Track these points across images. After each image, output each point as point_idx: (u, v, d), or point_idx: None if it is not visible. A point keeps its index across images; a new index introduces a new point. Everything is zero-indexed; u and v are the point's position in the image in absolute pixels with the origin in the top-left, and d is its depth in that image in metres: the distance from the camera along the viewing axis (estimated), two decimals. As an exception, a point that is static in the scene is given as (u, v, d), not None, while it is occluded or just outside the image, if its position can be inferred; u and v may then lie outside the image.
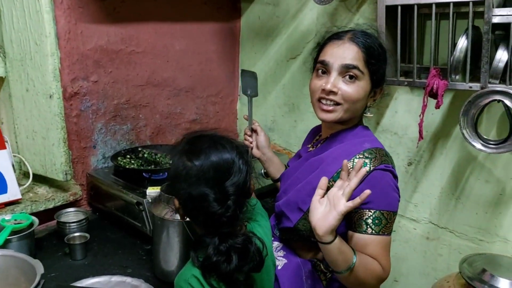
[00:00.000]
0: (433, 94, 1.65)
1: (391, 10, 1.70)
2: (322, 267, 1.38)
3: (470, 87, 1.59)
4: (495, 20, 1.48)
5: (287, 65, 2.38)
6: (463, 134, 1.60)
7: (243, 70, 1.72)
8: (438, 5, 1.60)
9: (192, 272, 1.08)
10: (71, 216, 1.81)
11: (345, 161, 1.21)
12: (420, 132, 1.72)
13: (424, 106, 1.68)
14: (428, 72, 1.73)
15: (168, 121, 2.30)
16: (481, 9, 1.55)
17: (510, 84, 1.51)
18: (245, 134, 1.71)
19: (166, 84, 2.25)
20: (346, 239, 1.27)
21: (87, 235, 1.67)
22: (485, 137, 1.61)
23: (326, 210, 1.18)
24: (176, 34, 2.24)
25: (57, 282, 1.43)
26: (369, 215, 1.24)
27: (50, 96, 1.74)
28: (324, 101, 1.35)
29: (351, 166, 1.28)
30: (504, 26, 1.56)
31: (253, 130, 1.69)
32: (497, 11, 1.47)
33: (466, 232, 1.89)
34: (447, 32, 1.67)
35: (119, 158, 2.01)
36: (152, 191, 1.74)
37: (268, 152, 1.66)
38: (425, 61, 1.84)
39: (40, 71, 1.74)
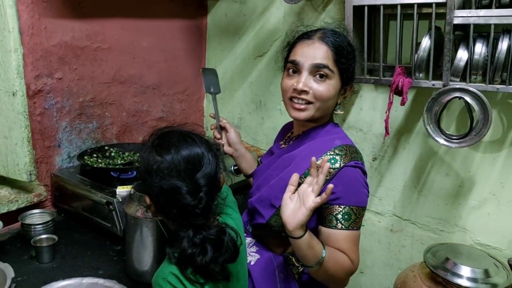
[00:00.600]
0: (398, 91, 1.72)
1: (357, 10, 1.76)
2: (294, 260, 1.41)
3: (433, 84, 1.66)
4: (456, 21, 1.55)
5: (254, 63, 2.40)
6: (427, 130, 1.68)
7: (203, 69, 1.73)
8: (402, 6, 1.66)
9: (169, 270, 1.08)
10: (36, 218, 1.75)
11: (313, 158, 1.23)
12: (386, 128, 1.78)
13: (390, 103, 1.74)
14: (392, 71, 1.80)
15: (134, 119, 2.26)
16: (442, 10, 1.62)
17: (470, 82, 1.60)
18: (213, 131, 1.70)
19: (132, 81, 2.21)
20: (317, 234, 1.31)
21: (55, 237, 1.62)
22: (447, 132, 1.68)
23: (296, 206, 1.21)
24: (143, 31, 2.21)
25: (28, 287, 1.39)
26: (339, 210, 1.28)
27: (13, 94, 1.68)
28: (296, 100, 1.37)
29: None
30: (463, 27, 1.65)
31: (222, 128, 1.69)
32: (458, 12, 1.54)
33: (428, 223, 1.98)
34: (410, 32, 1.75)
35: (85, 157, 1.96)
36: (122, 190, 1.72)
37: (240, 148, 1.67)
38: (389, 60, 1.91)
39: (3, 68, 1.68)
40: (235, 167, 1.80)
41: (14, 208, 1.76)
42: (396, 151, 2.01)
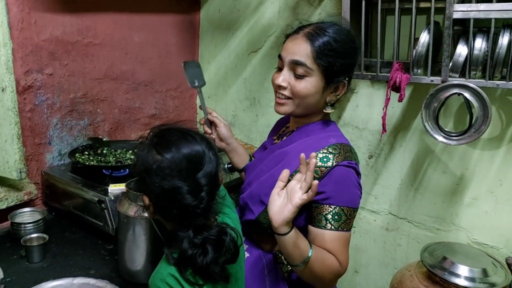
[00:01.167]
0: (396, 88, 1.69)
1: (354, 4, 1.73)
2: (283, 259, 1.38)
3: (432, 80, 1.63)
4: (456, 15, 1.52)
5: (248, 59, 2.37)
6: (425, 127, 1.65)
7: (185, 62, 1.65)
8: (401, 0, 1.63)
9: (168, 271, 1.05)
10: (27, 216, 1.71)
11: (302, 154, 1.20)
12: (384, 125, 1.76)
13: (387, 100, 1.72)
14: (389, 67, 1.77)
15: (127, 116, 2.22)
16: (440, 5, 1.60)
17: (469, 78, 1.57)
18: (203, 126, 1.66)
19: (124, 78, 2.17)
20: (307, 233, 1.28)
21: (45, 236, 1.58)
22: (446, 129, 1.66)
23: (283, 202, 1.19)
24: (135, 26, 2.17)
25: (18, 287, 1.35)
26: (329, 210, 1.24)
27: (3, 90, 1.64)
28: (277, 94, 1.36)
29: None
30: (462, 22, 1.63)
31: (211, 122, 1.62)
32: (458, 6, 1.51)
33: (424, 222, 1.96)
34: (407, 27, 1.72)
35: (77, 154, 1.92)
36: (115, 188, 1.68)
37: (233, 142, 1.62)
38: (386, 56, 1.88)
39: (-10, 63, 1.63)
40: (229, 165, 1.76)
41: (3, 207, 1.72)
42: (393, 148, 1.99)
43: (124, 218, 1.43)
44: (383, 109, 1.74)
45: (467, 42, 1.57)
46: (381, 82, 1.91)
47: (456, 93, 1.58)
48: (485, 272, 1.55)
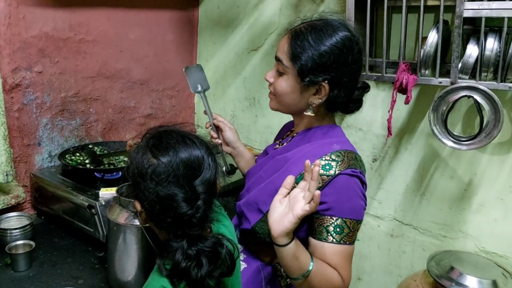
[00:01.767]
0: (402, 89, 1.61)
1: (358, 2, 1.65)
2: (283, 271, 1.30)
3: (440, 82, 1.56)
4: (466, 14, 1.45)
5: (248, 58, 2.29)
6: (432, 131, 1.57)
7: (186, 68, 1.57)
8: (408, -3, 1.56)
9: (160, 283, 0.98)
10: (14, 221, 1.64)
11: (307, 161, 1.11)
12: (389, 128, 1.68)
13: (393, 102, 1.64)
14: (394, 67, 1.70)
15: (121, 115, 2.14)
16: (449, 2, 1.52)
17: (480, 80, 1.49)
18: (209, 130, 1.59)
19: (119, 76, 2.09)
20: (307, 245, 1.20)
21: (32, 243, 1.51)
22: (455, 133, 1.59)
23: (284, 211, 1.12)
24: (130, 22, 2.08)
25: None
26: (330, 222, 1.16)
27: (-12, 88, 1.56)
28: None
29: None
30: (471, 21, 1.55)
31: (216, 127, 1.57)
32: (469, 4, 1.44)
33: (430, 229, 1.88)
34: (414, 26, 1.65)
35: (67, 156, 1.85)
36: (106, 192, 1.61)
37: (239, 146, 1.55)
38: (390, 56, 1.80)
39: (-25, 60, 1.56)
40: (229, 169, 1.69)
41: (-11, 211, 1.65)
42: (398, 152, 1.91)
43: (114, 226, 1.36)
44: (389, 111, 1.66)
45: (477, 42, 1.49)
46: (386, 83, 1.83)
47: (465, 95, 1.50)
48: (495, 284, 1.49)
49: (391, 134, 1.70)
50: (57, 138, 1.90)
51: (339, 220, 1.16)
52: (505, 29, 1.42)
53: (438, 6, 1.52)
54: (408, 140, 1.87)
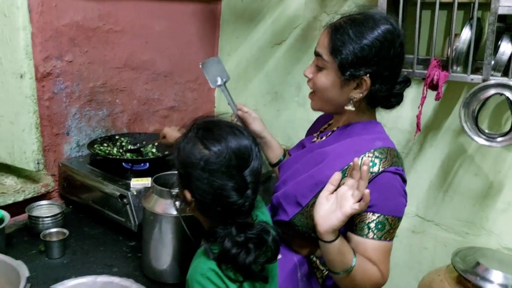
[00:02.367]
0: (432, 86, 1.62)
1: (391, -3, 1.66)
2: (318, 263, 1.32)
3: (472, 79, 1.57)
4: (501, 11, 1.45)
5: (271, 52, 2.29)
6: (463, 127, 1.58)
7: (203, 63, 1.54)
8: (442, -6, 1.57)
9: (208, 265, 1.00)
10: (44, 209, 1.64)
11: (356, 159, 1.11)
12: (418, 124, 1.69)
13: (424, 98, 1.65)
14: (423, 63, 1.70)
15: (145, 107, 2.15)
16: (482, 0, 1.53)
17: (512, 77, 1.51)
18: (233, 120, 1.58)
19: (144, 68, 2.09)
20: (346, 239, 1.20)
21: (65, 231, 1.51)
22: (486, 131, 1.60)
23: (332, 208, 1.11)
24: (156, 14, 2.08)
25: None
26: (372, 219, 1.17)
27: (21, 76, 1.57)
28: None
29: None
30: (503, 18, 1.55)
31: (241, 119, 1.55)
32: (504, 1, 1.44)
33: (453, 225, 1.90)
34: (443, 23, 1.65)
35: (95, 146, 1.85)
36: (137, 183, 1.62)
37: (266, 136, 1.55)
38: (420, 52, 1.81)
39: (9, 47, 1.56)
40: None
41: (21, 199, 1.65)
42: (422, 148, 1.92)
43: (150, 215, 1.37)
44: (419, 107, 1.67)
45: (511, 40, 1.50)
46: (414, 79, 1.83)
47: (497, 93, 1.51)
48: (520, 280, 1.49)
49: (420, 130, 1.71)
50: (84, 128, 1.90)
51: (381, 217, 1.17)
52: (539, 27, 1.43)
53: (469, 3, 1.53)
54: (433, 137, 1.88)
